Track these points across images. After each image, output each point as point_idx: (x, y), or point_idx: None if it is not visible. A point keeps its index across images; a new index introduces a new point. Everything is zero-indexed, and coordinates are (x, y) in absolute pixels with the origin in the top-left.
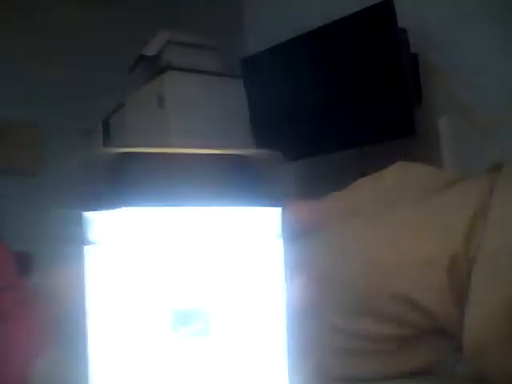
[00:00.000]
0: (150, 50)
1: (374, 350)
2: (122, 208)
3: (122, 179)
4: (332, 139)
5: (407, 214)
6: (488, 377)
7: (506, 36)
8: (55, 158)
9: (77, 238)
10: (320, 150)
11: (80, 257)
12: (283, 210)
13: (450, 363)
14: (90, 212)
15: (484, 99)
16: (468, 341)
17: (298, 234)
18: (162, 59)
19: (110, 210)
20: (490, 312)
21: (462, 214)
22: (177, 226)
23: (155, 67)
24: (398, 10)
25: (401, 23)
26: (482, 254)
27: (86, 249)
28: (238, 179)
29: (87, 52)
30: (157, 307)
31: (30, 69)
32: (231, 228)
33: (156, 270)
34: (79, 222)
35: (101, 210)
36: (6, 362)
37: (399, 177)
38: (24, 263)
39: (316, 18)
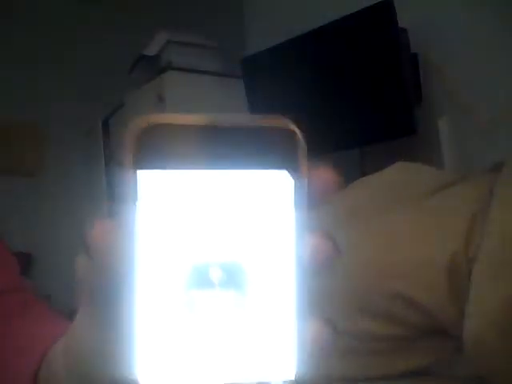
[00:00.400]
0: (150, 50)
1: (373, 350)
2: (149, 170)
3: (151, 145)
4: (332, 139)
5: (407, 214)
6: (488, 375)
7: (506, 36)
8: (55, 158)
9: (122, 196)
10: (320, 150)
11: (133, 213)
12: (294, 173)
13: (449, 363)
14: (141, 170)
15: (484, 99)
16: (468, 339)
17: (317, 199)
18: (162, 59)
19: (142, 171)
20: (490, 311)
21: (462, 214)
22: (199, 186)
23: (155, 67)
24: (398, 10)
25: (401, 23)
26: (482, 254)
27: (132, 206)
28: (252, 144)
29: (87, 52)
30: (183, 262)
31: (29, 69)
32: (246, 189)
33: (182, 226)
34: (126, 181)
35: (137, 170)
36: (13, 362)
37: (399, 177)
38: (24, 263)
39: (316, 18)
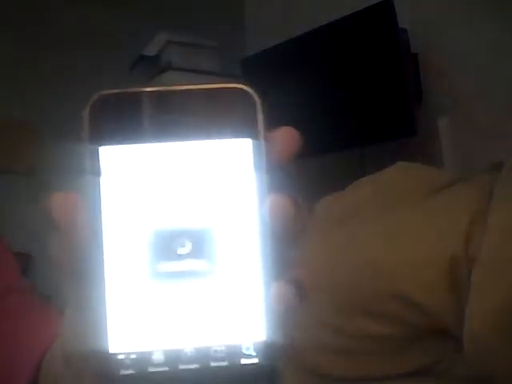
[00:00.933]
0: (150, 50)
1: (373, 350)
2: (104, 146)
3: (106, 119)
4: (332, 139)
5: (407, 215)
6: (488, 375)
7: (506, 36)
8: (55, 158)
9: (92, 170)
10: (320, 150)
11: (96, 187)
12: (255, 141)
13: (449, 363)
14: (103, 146)
15: (484, 99)
16: (469, 340)
17: (281, 161)
18: (162, 59)
19: (103, 147)
20: (490, 311)
21: (462, 214)
22: (161, 158)
23: (155, 67)
24: (398, 9)
25: (401, 23)
26: (482, 254)
27: (95, 179)
28: (210, 113)
29: (87, 52)
30: (149, 232)
31: (29, 69)
32: (207, 159)
33: (146, 197)
34: (88, 156)
35: (96, 145)
36: (13, 362)
37: (399, 177)
38: (24, 263)
39: (316, 18)
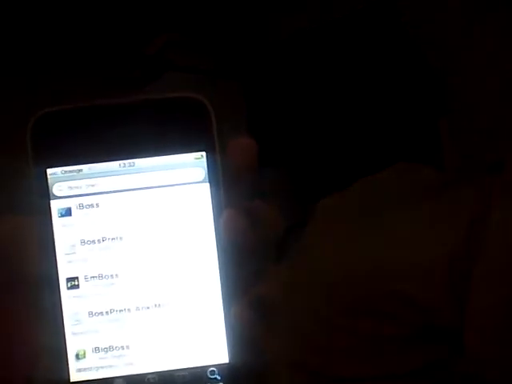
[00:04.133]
0: (150, 49)
1: (374, 350)
2: (50, 169)
3: (48, 140)
4: (332, 140)
5: (407, 214)
6: (488, 375)
7: (507, 36)
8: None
9: (40, 192)
10: (319, 152)
11: (45, 210)
12: (209, 153)
13: (449, 363)
14: (51, 168)
15: (484, 99)
16: (468, 340)
17: (234, 176)
18: (162, 59)
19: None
20: (491, 311)
21: (462, 214)
22: (110, 178)
23: (155, 67)
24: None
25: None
26: (482, 255)
27: (50, 203)
28: (162, 126)
29: (87, 52)
30: (101, 254)
31: (29, 68)
32: (160, 175)
33: (99, 218)
34: (42, 178)
35: (53, 167)
36: (11, 363)
37: (399, 177)
38: None
39: (316, 17)
